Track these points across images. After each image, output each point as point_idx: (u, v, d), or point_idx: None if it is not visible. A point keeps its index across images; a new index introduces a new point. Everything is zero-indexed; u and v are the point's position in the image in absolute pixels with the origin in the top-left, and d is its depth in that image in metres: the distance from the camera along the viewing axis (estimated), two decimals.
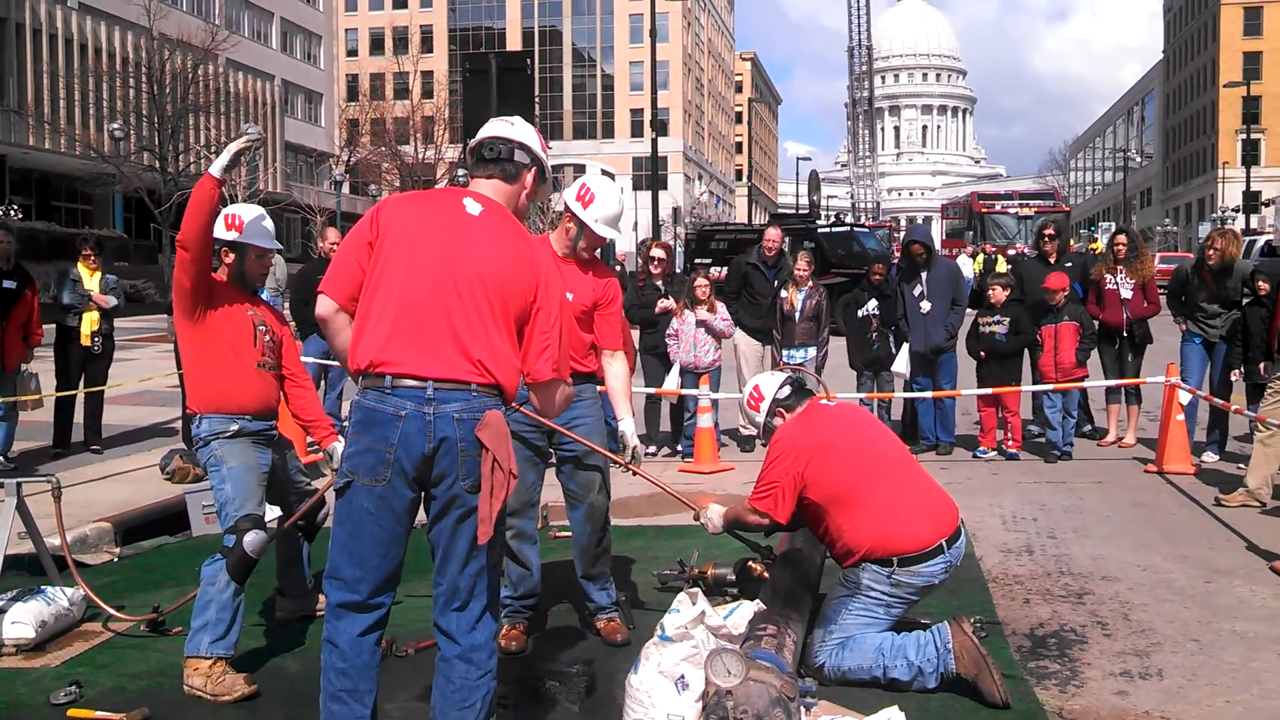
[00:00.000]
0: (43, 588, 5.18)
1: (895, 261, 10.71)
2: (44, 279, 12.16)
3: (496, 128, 3.55)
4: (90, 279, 9.55)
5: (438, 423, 3.15)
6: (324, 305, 3.34)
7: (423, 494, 3.26)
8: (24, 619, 4.94)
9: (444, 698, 3.24)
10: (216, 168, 4.45)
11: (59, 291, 9.55)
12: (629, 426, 4.83)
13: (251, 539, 4.39)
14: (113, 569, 6.44)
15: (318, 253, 10.84)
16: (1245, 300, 8.54)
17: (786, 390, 4.77)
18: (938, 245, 16.73)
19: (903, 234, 13.53)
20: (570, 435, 4.75)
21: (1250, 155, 57.36)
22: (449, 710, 3.23)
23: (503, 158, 3.49)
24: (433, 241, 3.28)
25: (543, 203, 40.34)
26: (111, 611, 5.17)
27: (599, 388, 4.98)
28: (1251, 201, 53.79)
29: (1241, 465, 7.92)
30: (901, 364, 9.59)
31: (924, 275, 9.63)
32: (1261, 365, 7.78)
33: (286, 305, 10.06)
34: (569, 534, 5.25)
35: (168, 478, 8.28)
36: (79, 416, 9.69)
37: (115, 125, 34.60)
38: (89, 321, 9.52)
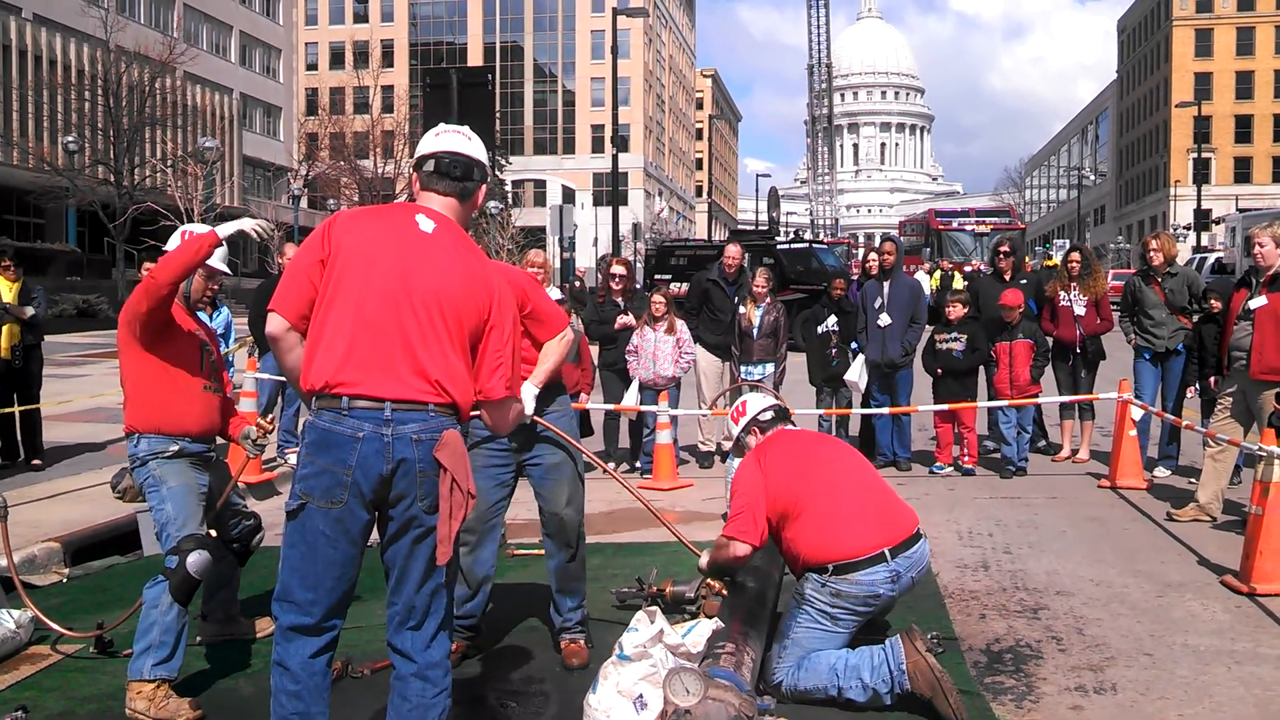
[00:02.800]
0: None
1: (855, 278, 10.72)
2: None
3: (455, 143, 3.48)
4: (9, 291, 9.26)
5: (396, 444, 3.11)
6: (275, 323, 3.28)
7: (375, 514, 3.22)
8: None
9: (400, 716, 3.22)
10: (224, 231, 4.56)
11: None
12: (529, 391, 4.45)
13: (195, 559, 4.32)
14: (62, 590, 6.33)
15: (275, 268, 10.72)
16: (1198, 317, 8.65)
17: (770, 414, 4.92)
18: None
19: (861, 250, 13.59)
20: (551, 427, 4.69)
21: (1201, 174, 58.15)
22: None
23: (463, 178, 3.45)
24: (387, 259, 3.25)
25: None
26: (59, 629, 5.08)
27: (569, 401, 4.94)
28: (1202, 219, 54.60)
29: (1193, 480, 8.02)
30: (855, 373, 9.52)
31: (886, 288, 9.68)
32: (1212, 380, 7.89)
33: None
34: (527, 551, 5.23)
35: (119, 496, 8.00)
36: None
37: (70, 138, 34.12)
38: (8, 334, 9.23)
